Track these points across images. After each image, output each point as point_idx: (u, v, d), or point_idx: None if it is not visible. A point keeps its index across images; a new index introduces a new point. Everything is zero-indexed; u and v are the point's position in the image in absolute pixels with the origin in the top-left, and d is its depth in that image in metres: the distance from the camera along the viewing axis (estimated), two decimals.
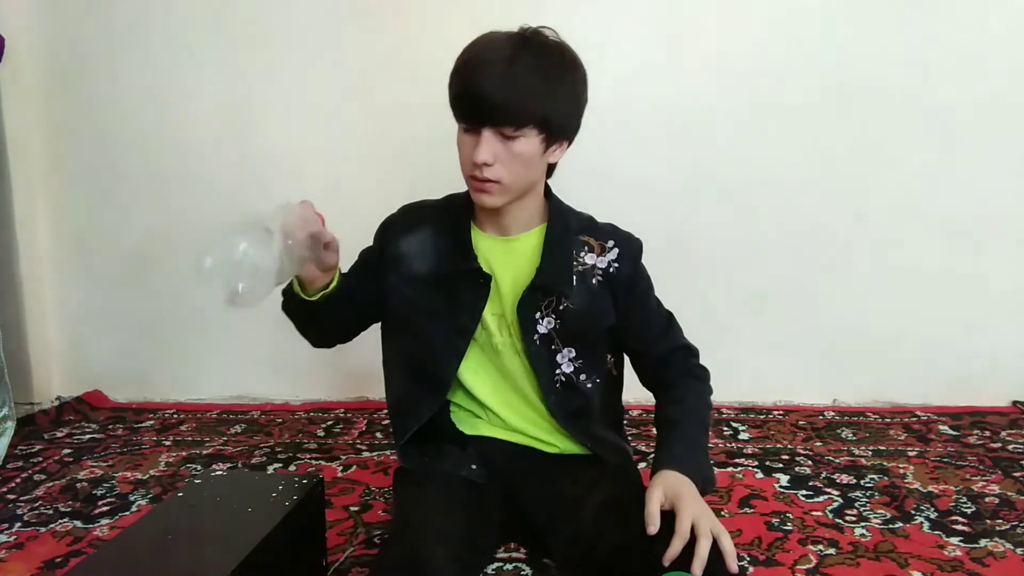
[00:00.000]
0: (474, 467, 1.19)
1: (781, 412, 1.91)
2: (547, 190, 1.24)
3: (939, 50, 1.83)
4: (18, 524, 1.42)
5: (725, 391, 1.98)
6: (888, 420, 1.85)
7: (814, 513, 1.38)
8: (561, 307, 1.18)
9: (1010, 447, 1.67)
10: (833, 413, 1.90)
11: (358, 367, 2.09)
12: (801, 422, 1.84)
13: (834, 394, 1.97)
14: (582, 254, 1.21)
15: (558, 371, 1.20)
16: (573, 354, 1.20)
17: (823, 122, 1.88)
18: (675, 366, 1.28)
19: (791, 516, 1.37)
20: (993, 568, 1.19)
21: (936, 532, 1.30)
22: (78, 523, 1.42)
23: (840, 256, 1.93)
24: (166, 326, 2.10)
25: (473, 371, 1.23)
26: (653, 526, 0.98)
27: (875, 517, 1.36)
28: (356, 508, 1.45)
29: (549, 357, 1.19)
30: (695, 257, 1.96)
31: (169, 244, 2.06)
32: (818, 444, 1.71)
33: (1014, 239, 1.89)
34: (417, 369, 1.23)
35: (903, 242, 1.91)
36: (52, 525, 1.41)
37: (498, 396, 1.24)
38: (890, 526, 1.33)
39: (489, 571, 1.21)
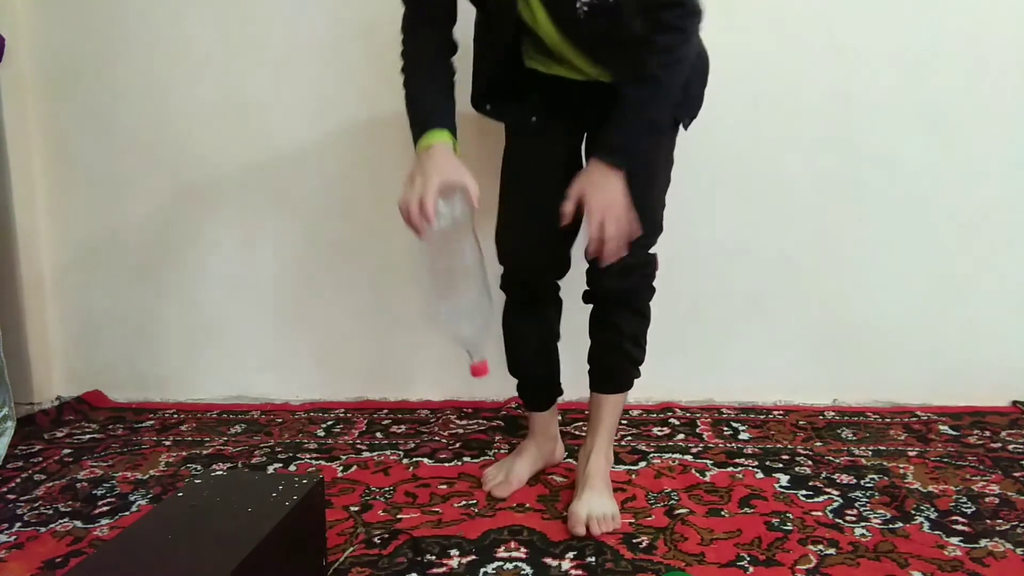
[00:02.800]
0: (534, 119, 1.37)
1: (781, 412, 1.91)
2: None
3: (940, 50, 1.83)
4: (18, 524, 1.42)
5: (725, 391, 2.00)
6: (888, 420, 1.85)
7: (814, 513, 1.38)
8: None
9: (1010, 447, 1.67)
10: (833, 413, 1.90)
11: (358, 367, 2.09)
12: (801, 422, 1.84)
13: (834, 394, 1.97)
14: None
15: (580, 3, 1.19)
16: None
17: (823, 122, 1.88)
18: (655, 24, 1.22)
19: (791, 516, 1.37)
20: (993, 568, 1.19)
21: (936, 532, 1.30)
22: (78, 523, 1.42)
23: (840, 256, 1.93)
24: (166, 326, 2.10)
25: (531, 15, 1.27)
26: (565, 220, 1.22)
27: (875, 517, 1.36)
28: (356, 508, 1.45)
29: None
30: (695, 257, 1.95)
31: (169, 244, 2.06)
32: (818, 444, 1.71)
33: (1014, 239, 1.89)
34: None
35: (903, 242, 1.91)
36: (52, 525, 1.42)
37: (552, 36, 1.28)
38: (890, 526, 1.33)
39: (489, 570, 1.22)
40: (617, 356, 1.46)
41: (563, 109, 1.39)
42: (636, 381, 1.55)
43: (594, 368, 1.49)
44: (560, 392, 1.59)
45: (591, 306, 1.46)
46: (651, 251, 1.41)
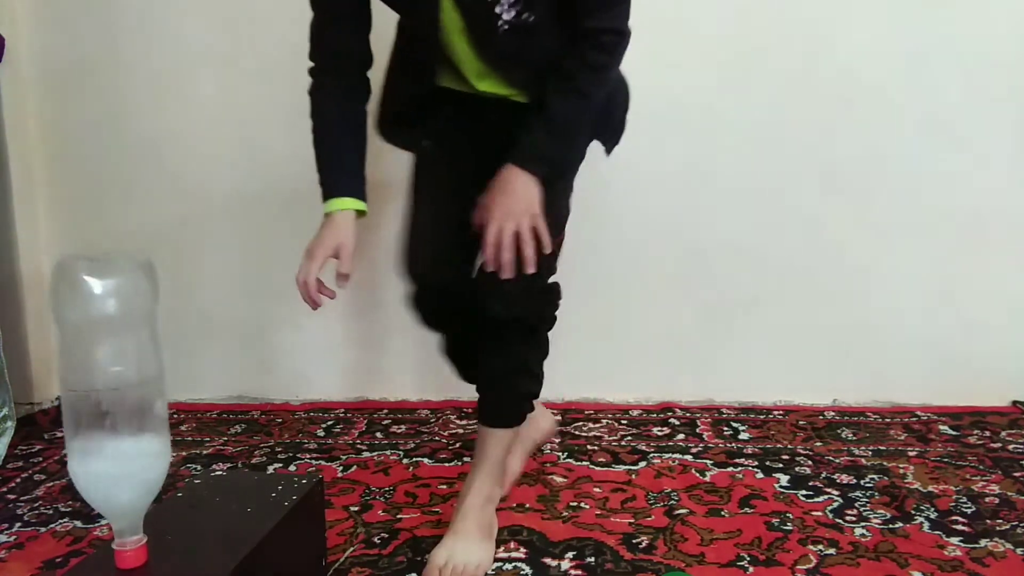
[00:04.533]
0: (425, 143, 1.33)
1: (781, 412, 1.91)
2: None
3: (940, 50, 1.83)
4: (18, 524, 1.43)
5: (725, 391, 2.00)
6: (888, 420, 1.85)
7: (814, 513, 1.38)
8: None
9: (1010, 447, 1.67)
10: (833, 413, 1.90)
11: (358, 367, 2.09)
12: (801, 422, 1.84)
13: (834, 394, 1.97)
14: None
15: (500, 21, 1.16)
16: (514, 7, 1.16)
17: (823, 122, 1.88)
18: (584, 43, 1.20)
19: (791, 516, 1.37)
20: (993, 568, 1.19)
21: (936, 532, 1.30)
22: (78, 523, 1.42)
23: (840, 256, 1.93)
24: (166, 326, 2.08)
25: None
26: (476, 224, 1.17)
27: (875, 517, 1.36)
28: (356, 508, 1.45)
29: (485, 8, 1.16)
30: (695, 257, 1.96)
31: (169, 244, 2.06)
32: (818, 444, 1.71)
33: (1014, 239, 1.89)
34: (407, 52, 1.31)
35: (903, 242, 1.91)
36: (52, 525, 1.42)
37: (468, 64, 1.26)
38: (890, 526, 1.33)
39: (489, 571, 1.21)
40: (510, 388, 1.33)
41: (470, 126, 1.32)
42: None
43: (484, 399, 1.35)
44: None
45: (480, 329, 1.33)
46: (552, 280, 1.34)
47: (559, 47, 1.20)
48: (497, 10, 1.15)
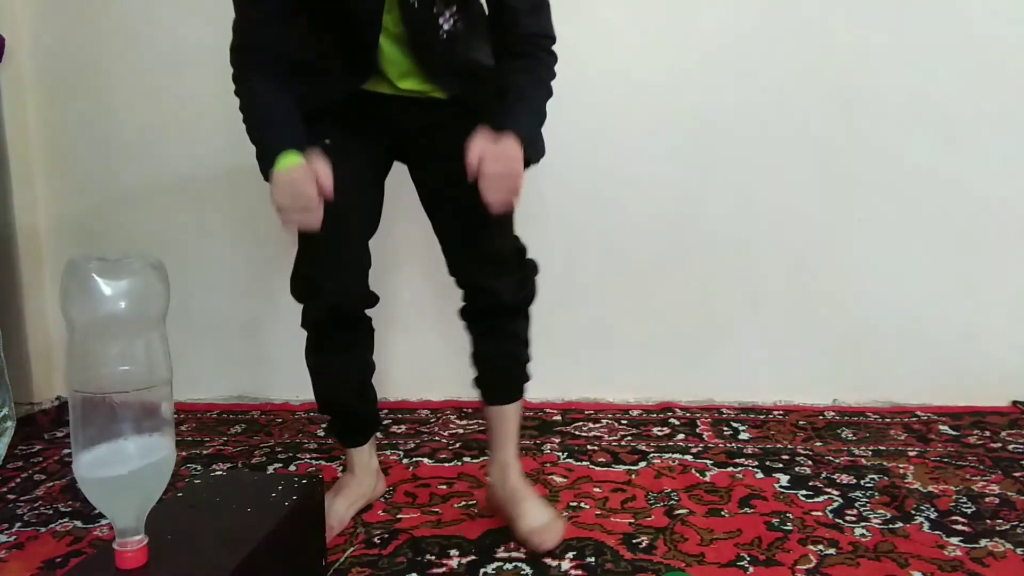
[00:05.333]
0: (327, 141, 1.27)
1: (781, 412, 1.91)
2: None
3: (940, 50, 1.83)
4: (18, 524, 1.43)
5: (725, 391, 2.00)
6: (888, 420, 1.85)
7: (814, 513, 1.38)
8: None
9: (1010, 447, 1.67)
10: (833, 413, 1.90)
11: None
12: (801, 422, 1.84)
13: (834, 394, 1.97)
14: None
15: (440, 38, 1.23)
16: (454, 17, 1.23)
17: (824, 122, 1.88)
18: (528, 45, 1.27)
19: (791, 516, 1.37)
20: (993, 568, 1.19)
21: (936, 532, 1.30)
22: (78, 523, 1.42)
23: (840, 256, 1.93)
24: (166, 326, 2.10)
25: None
26: (470, 175, 1.14)
27: (875, 517, 1.36)
28: None
29: (426, 21, 1.22)
30: (695, 257, 1.96)
31: (169, 244, 2.06)
32: (818, 444, 1.71)
33: (1014, 239, 1.89)
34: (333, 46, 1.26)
35: (903, 242, 1.91)
36: (52, 525, 1.42)
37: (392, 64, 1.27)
38: (890, 526, 1.33)
39: (489, 570, 1.21)
40: (515, 363, 1.40)
41: (374, 124, 1.32)
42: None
43: (492, 381, 1.40)
44: (379, 422, 1.52)
45: (469, 321, 1.38)
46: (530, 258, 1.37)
47: (487, 53, 1.29)
48: (440, 21, 1.22)
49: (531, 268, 1.37)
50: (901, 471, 1.56)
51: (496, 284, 1.31)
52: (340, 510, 1.38)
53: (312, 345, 1.37)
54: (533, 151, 1.23)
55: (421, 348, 2.04)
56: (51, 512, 1.47)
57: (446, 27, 1.23)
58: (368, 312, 1.37)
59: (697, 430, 1.80)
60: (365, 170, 1.33)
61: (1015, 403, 1.92)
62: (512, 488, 1.37)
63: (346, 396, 1.42)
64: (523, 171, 1.17)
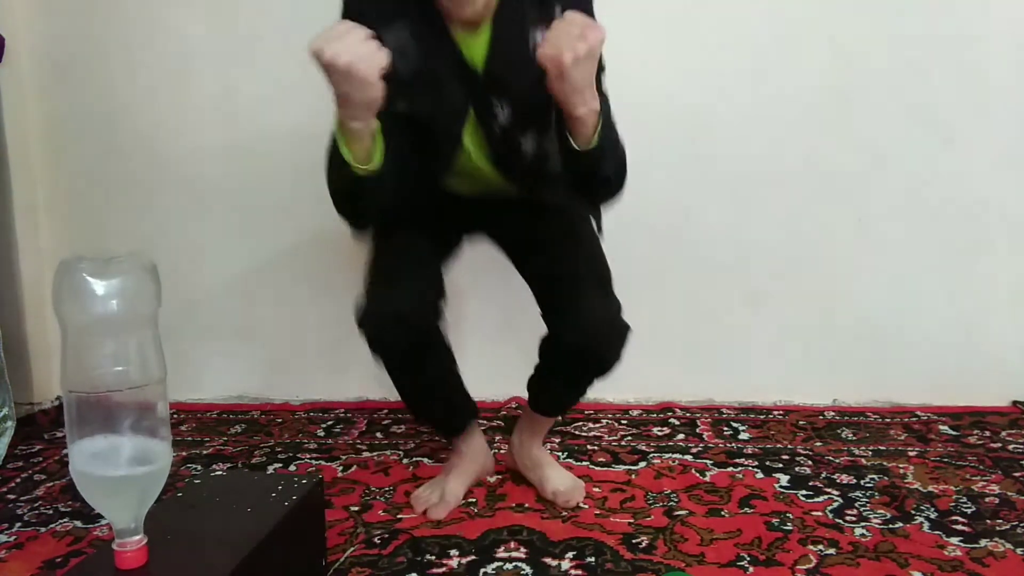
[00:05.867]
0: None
1: (781, 412, 1.91)
2: None
3: (939, 49, 1.83)
4: (18, 524, 1.42)
5: (725, 391, 2.00)
6: (888, 420, 1.85)
7: (814, 513, 1.38)
8: (514, 96, 1.21)
9: (1010, 447, 1.67)
10: (833, 413, 1.90)
11: (358, 367, 2.09)
12: (801, 422, 1.84)
13: (834, 394, 1.97)
14: (536, 32, 1.17)
15: (525, 158, 1.27)
16: (535, 138, 1.25)
17: (824, 122, 1.88)
18: None
19: (791, 516, 1.37)
20: (993, 568, 1.19)
21: (936, 532, 1.30)
22: (78, 523, 1.42)
23: (840, 256, 1.93)
24: (166, 326, 2.09)
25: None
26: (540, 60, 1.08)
27: (875, 517, 1.36)
28: (356, 508, 1.45)
29: (510, 145, 1.26)
30: (695, 257, 1.96)
31: (169, 244, 2.06)
32: (818, 444, 1.71)
33: (1014, 239, 1.89)
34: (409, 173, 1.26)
35: (903, 242, 1.91)
36: (52, 525, 1.42)
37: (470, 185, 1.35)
38: (890, 526, 1.33)
39: (489, 570, 1.21)
40: (573, 402, 1.48)
41: (449, 216, 1.40)
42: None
43: (545, 401, 1.45)
44: (475, 406, 1.49)
45: (547, 355, 1.38)
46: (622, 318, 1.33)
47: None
48: (522, 141, 1.26)
49: (618, 336, 1.30)
50: (901, 471, 1.56)
51: (585, 345, 1.29)
52: (455, 488, 1.43)
53: (395, 368, 1.34)
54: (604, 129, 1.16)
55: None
56: (51, 512, 1.47)
57: (528, 148, 1.26)
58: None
59: (697, 430, 1.80)
60: (444, 229, 1.39)
61: (1015, 403, 1.92)
62: (536, 456, 1.48)
63: (440, 404, 1.44)
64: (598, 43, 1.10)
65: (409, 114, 1.21)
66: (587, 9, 1.21)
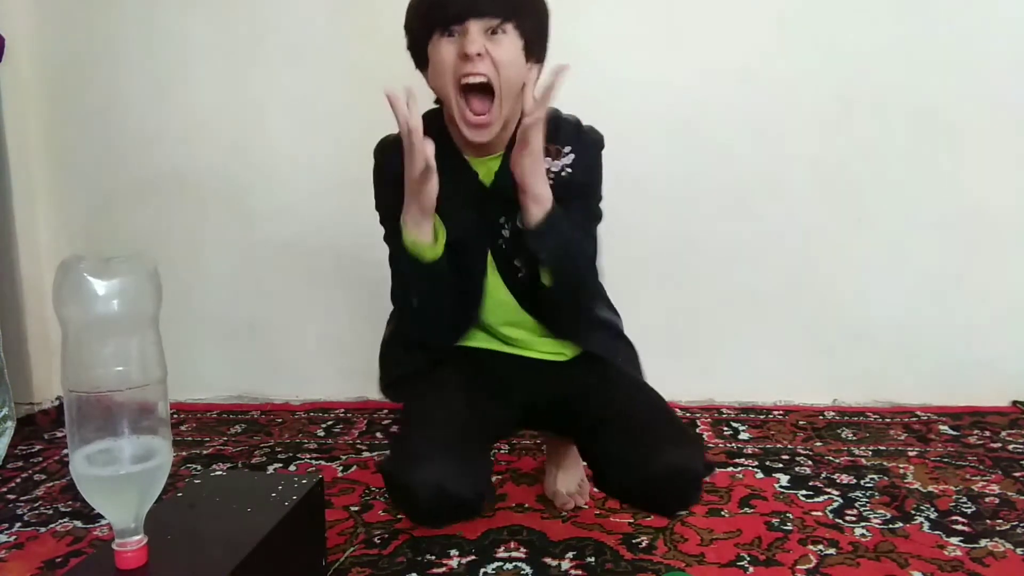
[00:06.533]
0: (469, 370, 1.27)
1: (781, 412, 1.91)
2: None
3: (939, 51, 1.83)
4: (18, 524, 1.42)
5: (725, 391, 2.00)
6: (888, 420, 1.85)
7: (814, 513, 1.38)
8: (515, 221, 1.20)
9: (1010, 447, 1.67)
10: (833, 413, 1.90)
11: (358, 367, 2.09)
12: (801, 422, 1.84)
13: (834, 394, 1.97)
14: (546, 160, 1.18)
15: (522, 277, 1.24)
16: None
17: (823, 122, 1.88)
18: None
19: (791, 516, 1.37)
20: (993, 568, 1.19)
21: (936, 532, 1.30)
22: (78, 523, 1.42)
23: (840, 256, 1.93)
24: (166, 326, 2.09)
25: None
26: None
27: (875, 517, 1.36)
28: (356, 508, 1.45)
29: (512, 266, 1.24)
30: (695, 257, 1.96)
31: (169, 244, 2.07)
32: (818, 444, 1.71)
33: (1014, 239, 1.89)
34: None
35: (903, 242, 1.91)
36: (52, 525, 1.42)
37: (493, 311, 1.29)
38: (890, 526, 1.33)
39: (489, 570, 1.21)
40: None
41: (489, 383, 1.28)
42: None
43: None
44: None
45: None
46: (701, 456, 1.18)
47: (599, 307, 1.34)
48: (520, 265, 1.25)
49: (696, 484, 1.16)
50: (901, 471, 1.56)
51: (662, 502, 1.19)
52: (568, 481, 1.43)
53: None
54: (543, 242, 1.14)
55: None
56: (51, 512, 1.47)
57: (526, 268, 1.23)
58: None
59: (697, 430, 1.80)
60: (486, 399, 1.27)
61: (1015, 403, 1.92)
62: (561, 452, 1.44)
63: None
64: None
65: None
66: (594, 160, 1.26)
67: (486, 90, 1.13)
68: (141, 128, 2.05)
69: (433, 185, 1.11)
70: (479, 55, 1.09)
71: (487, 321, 1.30)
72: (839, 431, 1.78)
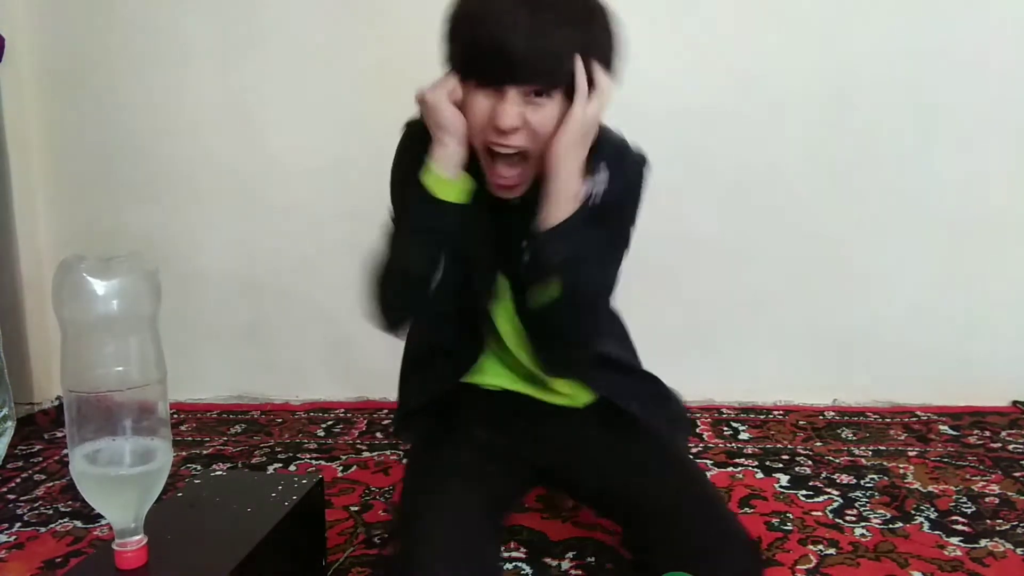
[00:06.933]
0: (480, 432, 1.13)
1: (781, 412, 1.91)
2: None
3: (939, 50, 1.83)
4: (18, 524, 1.42)
5: (725, 391, 2.00)
6: (888, 420, 1.85)
7: (814, 513, 1.38)
8: None
9: (1010, 447, 1.67)
10: (833, 413, 1.90)
11: (358, 367, 2.09)
12: (801, 422, 1.84)
13: (834, 394, 1.97)
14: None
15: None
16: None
17: (823, 122, 1.88)
18: None
19: (791, 516, 1.37)
20: (993, 568, 1.19)
21: (936, 532, 1.30)
22: (78, 523, 1.42)
23: (840, 256, 1.93)
24: (166, 326, 2.09)
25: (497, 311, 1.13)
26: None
27: (875, 517, 1.36)
28: (356, 508, 1.45)
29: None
30: (696, 257, 1.96)
31: (169, 244, 2.06)
32: (818, 444, 1.71)
33: (1014, 239, 1.89)
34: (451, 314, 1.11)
35: (903, 242, 1.91)
36: (52, 525, 1.42)
37: (513, 337, 1.15)
38: (890, 526, 1.33)
39: None
40: None
41: (517, 431, 1.17)
42: None
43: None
44: None
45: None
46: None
47: (616, 346, 1.23)
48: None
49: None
50: (901, 471, 1.56)
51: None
52: None
53: None
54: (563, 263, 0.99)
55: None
56: (51, 512, 1.47)
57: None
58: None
59: (697, 430, 1.80)
60: (503, 474, 1.13)
61: (1015, 403, 1.92)
62: None
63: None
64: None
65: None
66: (633, 182, 1.15)
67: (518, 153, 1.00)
68: (141, 128, 2.05)
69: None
70: (514, 129, 0.95)
71: (506, 346, 1.16)
72: (839, 431, 1.78)
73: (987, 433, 1.75)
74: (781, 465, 1.60)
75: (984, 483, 1.49)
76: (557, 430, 1.17)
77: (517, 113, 0.95)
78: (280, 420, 1.96)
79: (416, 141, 1.07)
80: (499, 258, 1.10)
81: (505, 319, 1.14)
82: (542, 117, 0.96)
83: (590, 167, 1.03)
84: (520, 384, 1.20)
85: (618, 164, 1.10)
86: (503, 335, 1.15)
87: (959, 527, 1.32)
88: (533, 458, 1.17)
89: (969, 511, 1.38)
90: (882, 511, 1.38)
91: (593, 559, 1.24)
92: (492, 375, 1.20)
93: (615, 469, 1.11)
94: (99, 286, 0.83)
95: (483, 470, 1.10)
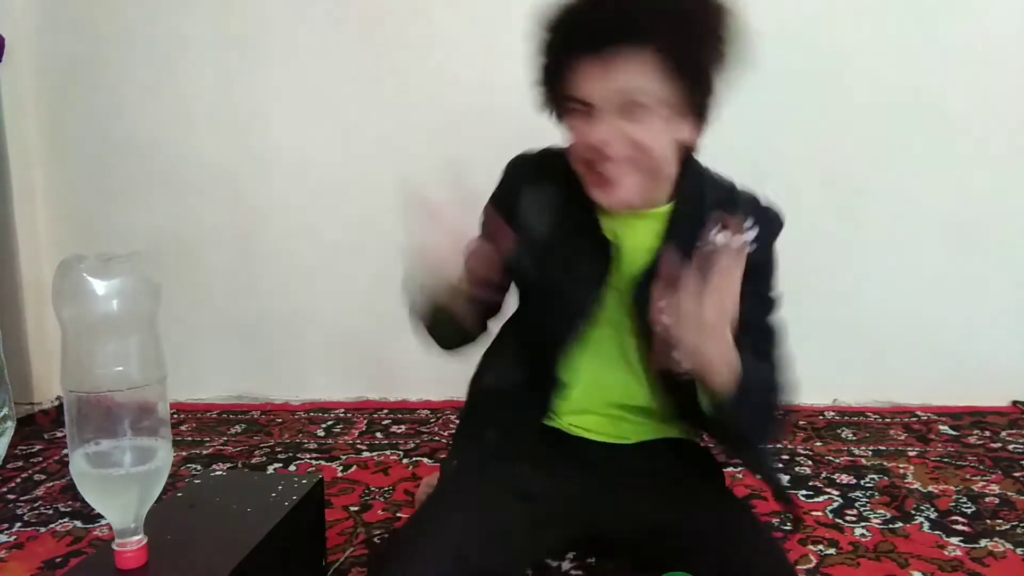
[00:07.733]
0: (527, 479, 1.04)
1: (781, 412, 1.91)
2: (688, 159, 1.06)
3: (940, 50, 1.83)
4: (18, 524, 1.42)
5: None
6: (888, 420, 1.85)
7: (814, 513, 1.38)
8: None
9: (1010, 447, 1.67)
10: (833, 413, 1.90)
11: (358, 367, 2.09)
12: (801, 422, 1.84)
13: (834, 394, 1.97)
14: (713, 233, 0.97)
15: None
16: None
17: (823, 122, 1.88)
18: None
19: (791, 516, 1.37)
20: (993, 568, 1.19)
21: (936, 532, 1.30)
22: (78, 523, 1.42)
23: (840, 256, 1.93)
24: (166, 326, 2.09)
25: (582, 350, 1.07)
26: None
27: (875, 517, 1.36)
28: (356, 508, 1.45)
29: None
30: None
31: (169, 244, 2.06)
32: (818, 444, 1.71)
33: (1014, 239, 1.89)
34: (528, 356, 1.07)
35: (903, 242, 1.91)
36: (52, 525, 1.42)
37: (590, 377, 1.09)
38: (890, 526, 1.33)
39: None
40: None
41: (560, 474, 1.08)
42: None
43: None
44: None
45: None
46: None
47: None
48: None
49: None
50: (901, 471, 1.56)
51: None
52: None
53: None
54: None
55: (421, 348, 2.04)
56: (51, 512, 1.47)
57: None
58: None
59: None
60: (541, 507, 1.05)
61: (1015, 403, 1.92)
62: None
63: None
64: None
65: (536, 282, 1.07)
66: (772, 241, 1.08)
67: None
68: (141, 128, 2.05)
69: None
70: (608, 146, 0.91)
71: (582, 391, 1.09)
72: (839, 431, 1.78)
73: (987, 433, 1.75)
74: (781, 465, 1.59)
75: (984, 483, 1.49)
76: (604, 465, 1.10)
77: (610, 129, 0.91)
78: (280, 420, 1.96)
79: (518, 179, 1.06)
80: (598, 272, 1.03)
81: (606, 338, 1.07)
82: (643, 133, 0.92)
83: (734, 222, 0.95)
84: (591, 417, 1.11)
85: (762, 220, 1.09)
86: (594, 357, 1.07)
87: (959, 527, 1.32)
88: (574, 498, 1.08)
89: (969, 511, 1.38)
90: (882, 511, 1.38)
91: (593, 559, 1.24)
92: (568, 413, 1.12)
93: (666, 503, 1.05)
94: (99, 286, 0.83)
95: (514, 521, 1.01)
